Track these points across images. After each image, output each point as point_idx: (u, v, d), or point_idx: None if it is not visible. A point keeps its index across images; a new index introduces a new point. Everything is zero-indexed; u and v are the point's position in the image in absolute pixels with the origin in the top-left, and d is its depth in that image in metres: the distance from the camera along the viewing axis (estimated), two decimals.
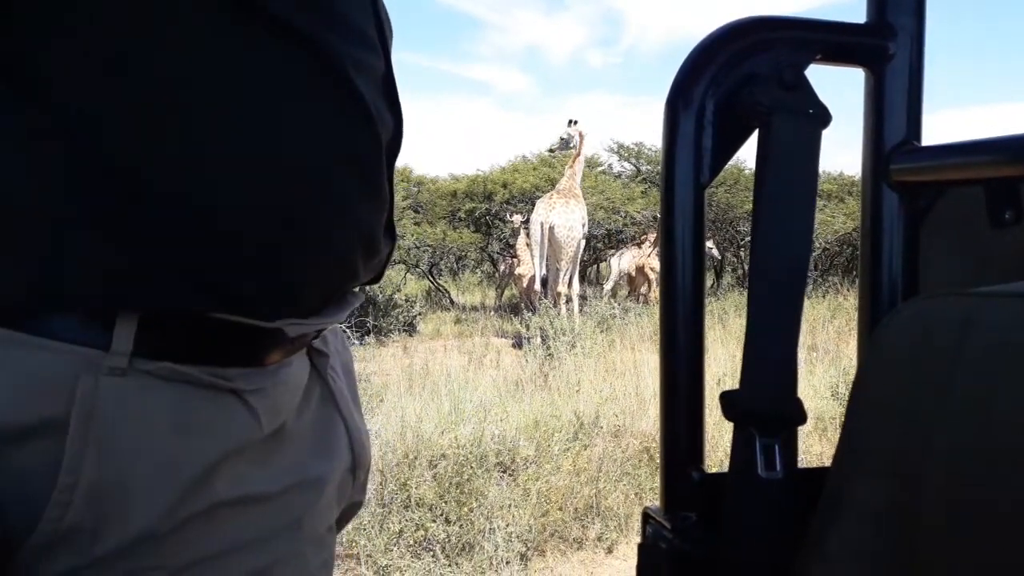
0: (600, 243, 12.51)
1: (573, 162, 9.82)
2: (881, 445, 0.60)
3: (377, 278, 0.85)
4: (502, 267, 11.93)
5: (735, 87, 0.69)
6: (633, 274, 10.92)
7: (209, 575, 0.66)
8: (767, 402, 0.66)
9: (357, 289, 0.85)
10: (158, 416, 0.63)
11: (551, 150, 10.25)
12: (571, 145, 10.00)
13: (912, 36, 0.74)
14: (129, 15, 0.62)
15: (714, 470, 0.71)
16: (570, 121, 10.00)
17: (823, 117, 0.68)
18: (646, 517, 0.72)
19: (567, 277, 9.53)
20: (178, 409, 0.64)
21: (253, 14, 0.65)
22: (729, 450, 0.68)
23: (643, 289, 10.73)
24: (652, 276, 10.56)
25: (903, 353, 0.61)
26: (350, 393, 0.88)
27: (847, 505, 0.62)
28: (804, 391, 5.22)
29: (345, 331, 7.98)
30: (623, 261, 11.02)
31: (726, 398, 0.67)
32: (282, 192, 0.68)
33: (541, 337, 7.99)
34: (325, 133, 0.70)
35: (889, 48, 0.73)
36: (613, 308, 9.57)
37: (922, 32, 0.74)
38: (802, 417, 0.67)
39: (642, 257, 10.80)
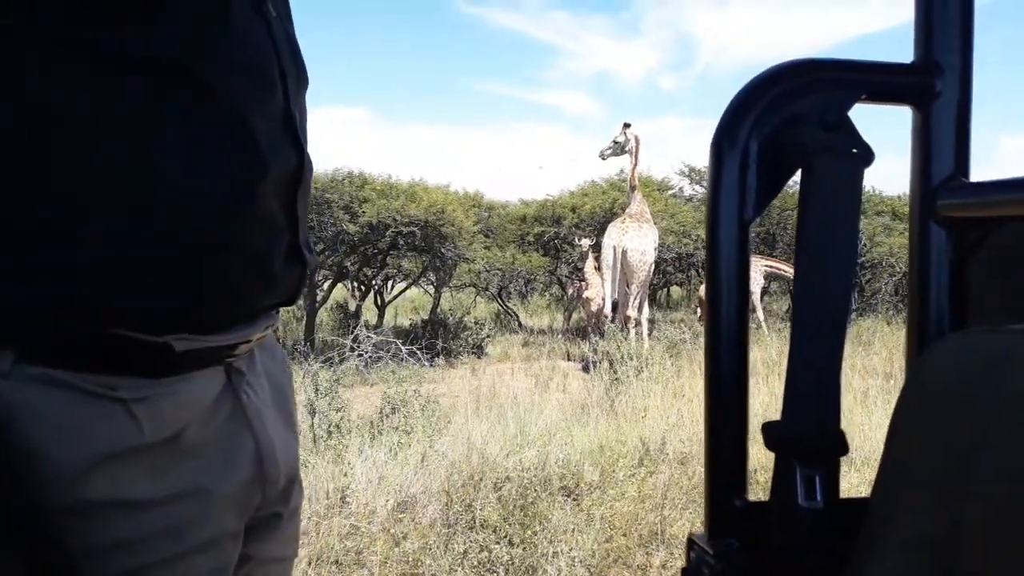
0: (670, 267, 12.40)
1: (632, 172, 9.71)
2: (920, 477, 0.61)
3: (291, 299, 0.92)
4: (570, 291, 11.92)
5: (779, 128, 0.71)
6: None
7: (82, 572, 0.72)
8: (808, 433, 0.68)
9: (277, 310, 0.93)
10: (36, 415, 0.70)
11: (603, 155, 10.02)
12: (626, 149, 9.83)
13: (959, 74, 0.75)
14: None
15: (759, 498, 0.73)
16: (624, 124, 9.83)
17: (866, 157, 0.69)
18: (691, 543, 0.74)
19: (637, 301, 9.46)
20: (55, 410, 0.71)
21: (116, 56, 0.72)
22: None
23: None
24: None
25: (943, 387, 0.62)
26: (277, 411, 0.94)
27: (886, 536, 0.63)
28: (880, 421, 5.06)
29: (415, 352, 8.02)
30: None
31: (768, 429, 0.69)
32: (162, 223, 0.75)
33: (608, 361, 7.91)
34: (207, 168, 0.77)
35: (936, 86, 0.75)
36: (683, 333, 9.46)
37: (970, 69, 0.75)
38: (843, 448, 0.69)
39: None
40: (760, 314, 10.80)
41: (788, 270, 10.86)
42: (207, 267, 0.78)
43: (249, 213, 0.80)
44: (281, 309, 0.97)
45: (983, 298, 0.76)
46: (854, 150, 0.70)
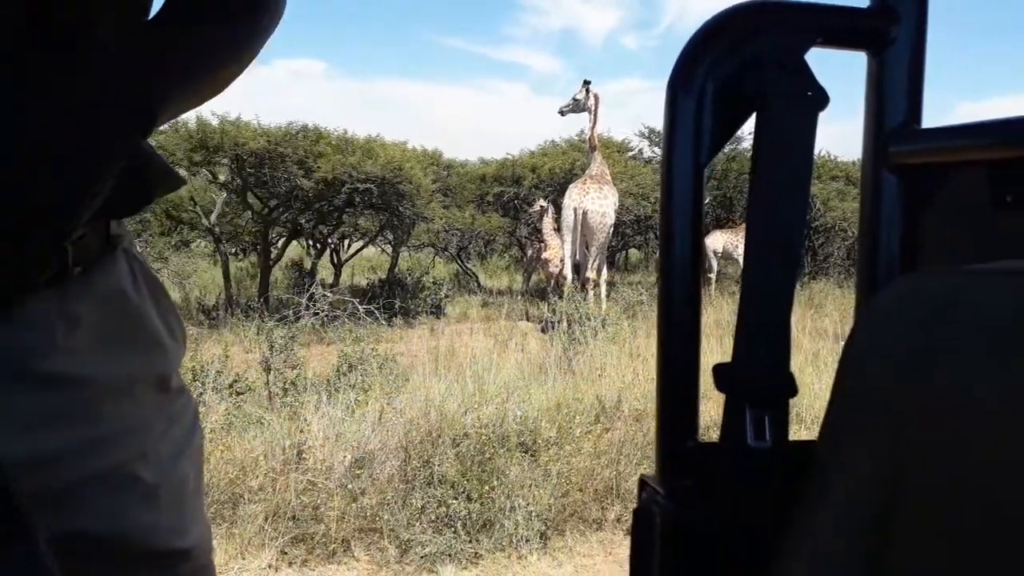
0: (629, 229, 12.47)
1: (592, 132, 9.64)
2: (865, 416, 0.62)
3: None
4: (530, 252, 11.85)
5: (735, 70, 0.70)
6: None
7: None
8: (758, 374, 0.69)
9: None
10: None
11: (562, 112, 9.96)
12: (585, 107, 9.76)
13: (915, 20, 0.75)
14: None
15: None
16: (585, 82, 9.75)
17: (820, 100, 0.69)
18: (642, 483, 0.74)
19: (596, 263, 9.50)
20: None
21: None
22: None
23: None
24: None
25: (890, 326, 0.62)
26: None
27: (831, 475, 0.64)
28: (830, 381, 5.16)
29: (373, 312, 8.04)
30: (713, 242, 11.05)
31: (718, 370, 0.69)
32: None
33: (567, 322, 7.91)
34: None
35: (891, 32, 0.75)
36: (640, 295, 9.56)
37: (924, 17, 0.75)
38: (792, 390, 0.69)
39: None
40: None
41: None
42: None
43: None
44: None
45: (935, 245, 0.77)
46: (808, 92, 0.69)
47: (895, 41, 0.75)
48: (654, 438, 0.76)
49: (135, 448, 0.87)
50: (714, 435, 0.71)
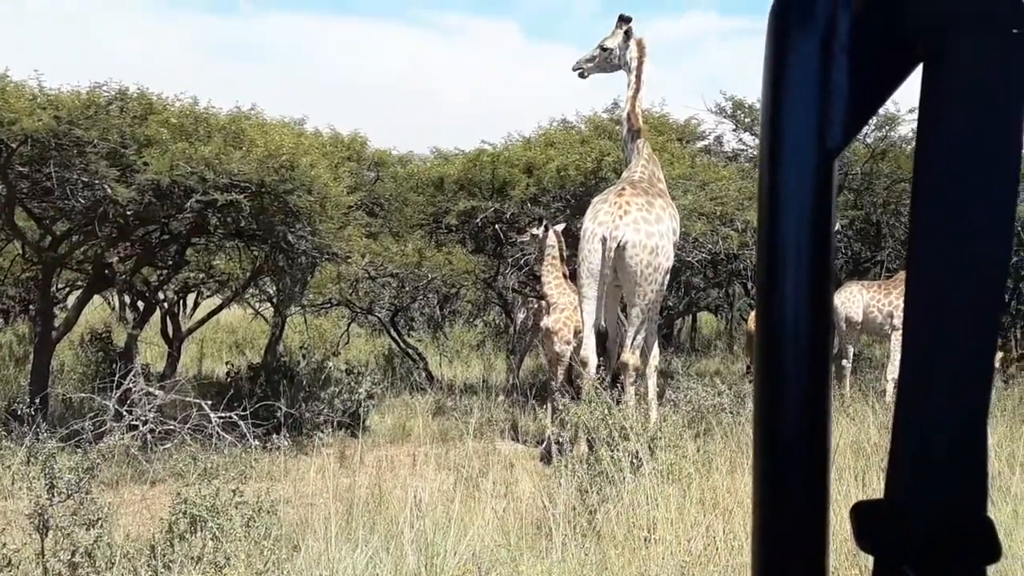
0: (699, 277, 8.65)
1: (634, 105, 6.65)
2: None
3: None
4: (520, 315, 8.66)
5: None
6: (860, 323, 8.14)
7: None
8: (931, 521, 0.46)
9: None
10: None
11: (581, 70, 7.04)
12: (620, 61, 6.77)
13: None
14: None
15: None
16: (621, 19, 6.81)
17: None
18: None
19: (639, 336, 6.44)
20: None
21: None
22: None
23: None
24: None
25: None
26: None
27: None
28: None
29: (235, 423, 6.29)
30: (846, 303, 7.56)
31: (863, 513, 0.49)
32: None
33: (587, 442, 5.89)
34: None
35: None
36: (718, 395, 6.85)
37: None
38: (992, 550, 0.46)
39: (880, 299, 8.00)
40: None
41: None
42: None
43: None
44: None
45: None
46: (1015, 29, 0.42)
47: None
48: None
49: None
50: None
